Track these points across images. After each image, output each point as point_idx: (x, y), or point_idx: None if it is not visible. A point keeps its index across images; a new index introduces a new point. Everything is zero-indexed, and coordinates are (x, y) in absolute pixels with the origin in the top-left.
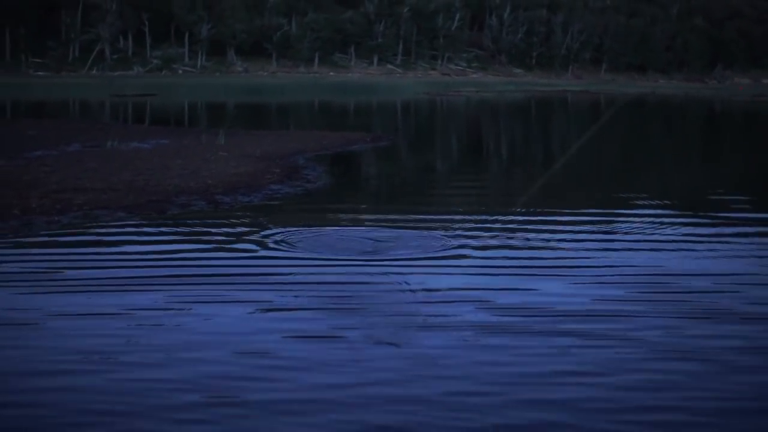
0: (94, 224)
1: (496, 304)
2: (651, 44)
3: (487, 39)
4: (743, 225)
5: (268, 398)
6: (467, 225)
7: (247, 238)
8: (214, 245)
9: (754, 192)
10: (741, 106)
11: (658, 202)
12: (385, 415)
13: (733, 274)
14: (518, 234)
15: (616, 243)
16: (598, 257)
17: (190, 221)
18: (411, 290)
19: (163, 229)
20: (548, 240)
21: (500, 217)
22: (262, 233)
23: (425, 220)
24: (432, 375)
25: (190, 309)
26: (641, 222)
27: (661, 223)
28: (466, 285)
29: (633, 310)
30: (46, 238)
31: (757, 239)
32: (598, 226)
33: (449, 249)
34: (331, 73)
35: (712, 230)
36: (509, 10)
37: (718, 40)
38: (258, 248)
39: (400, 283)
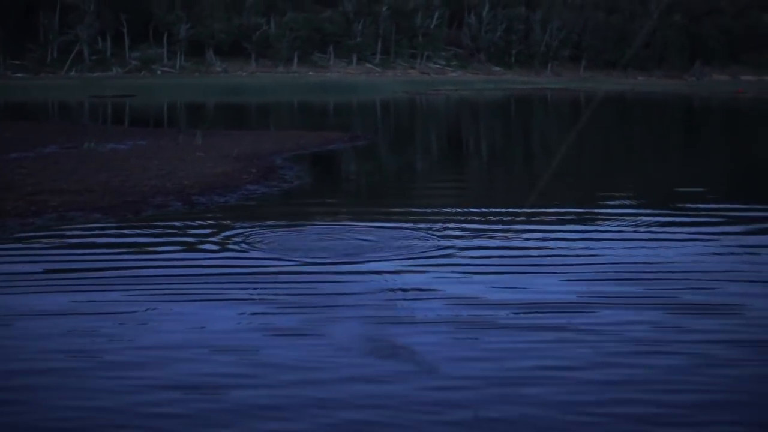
0: (69, 226)
1: (475, 300)
2: (630, 41)
3: (466, 37)
4: (727, 222)
5: (247, 395)
6: (444, 223)
7: (219, 237)
8: (186, 245)
9: (737, 187)
10: (720, 103)
11: (637, 198)
12: (364, 410)
13: (714, 271)
14: (495, 231)
15: (596, 239)
16: (579, 253)
17: (164, 222)
18: (391, 289)
19: (137, 230)
20: (528, 237)
21: (476, 215)
22: (235, 233)
23: (401, 219)
24: (410, 371)
25: (165, 308)
26: (621, 218)
27: (640, 220)
28: (445, 282)
29: (612, 303)
30: (20, 241)
31: (742, 236)
32: (579, 222)
33: (427, 247)
34: (310, 73)
35: (693, 226)
36: (488, 8)
37: (697, 36)
38: (232, 248)
39: (378, 281)
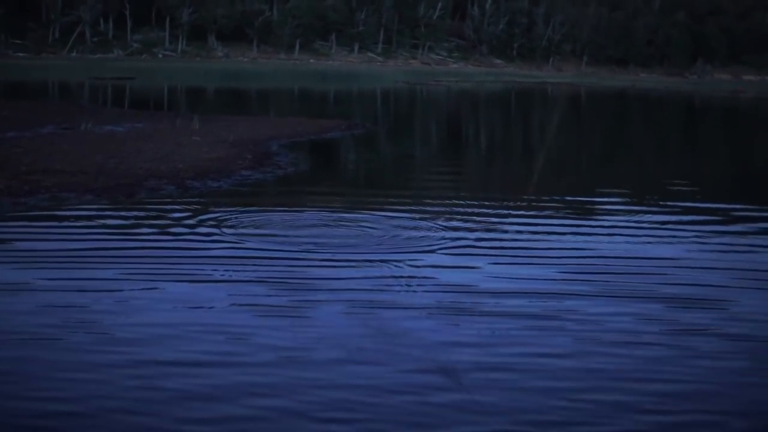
0: (61, 206)
1: (465, 288)
2: (632, 38)
3: (469, 29)
4: (717, 220)
5: (235, 372)
6: (438, 212)
7: (209, 221)
8: (177, 227)
9: (729, 185)
10: (720, 102)
11: (630, 193)
12: (352, 390)
13: (701, 267)
14: (489, 221)
15: (587, 233)
16: (569, 245)
17: (156, 205)
18: (382, 275)
19: (129, 212)
20: (520, 228)
21: (471, 205)
22: (225, 217)
23: (394, 207)
24: (391, 351)
25: (155, 288)
26: (613, 212)
27: (632, 214)
28: (435, 269)
29: (590, 293)
30: (12, 220)
31: (730, 233)
32: (571, 215)
33: (418, 236)
34: (312, 61)
35: (682, 223)
36: (491, 0)
37: (699, 34)
38: (222, 232)
39: (369, 267)
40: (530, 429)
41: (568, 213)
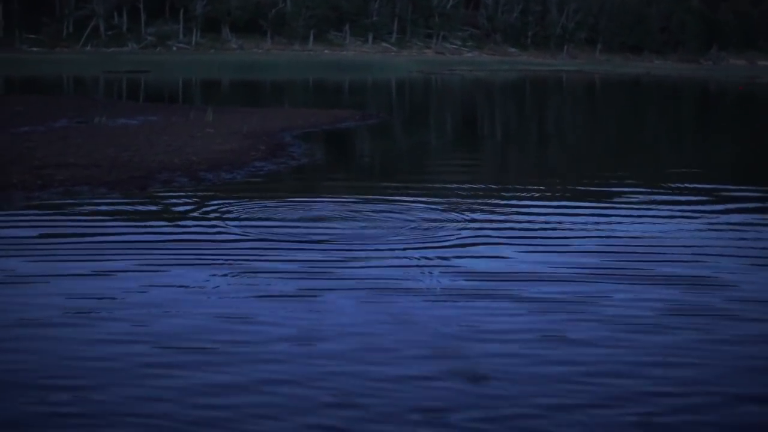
0: (74, 199)
1: (465, 270)
2: (646, 25)
3: (483, 18)
4: (722, 201)
5: (241, 350)
6: (451, 199)
7: (219, 212)
8: (188, 218)
9: (738, 169)
10: (735, 88)
11: (638, 177)
12: (356, 365)
13: (703, 246)
14: (502, 207)
15: (602, 214)
16: (584, 230)
17: (169, 196)
18: (407, 264)
19: (141, 204)
20: (529, 212)
21: (483, 192)
22: (237, 208)
23: (409, 197)
24: (405, 338)
25: (164, 274)
26: (622, 195)
27: (649, 198)
28: (451, 254)
29: (612, 277)
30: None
31: (735, 215)
32: (581, 199)
33: (430, 219)
34: (326, 51)
35: (687, 204)
36: None
37: (713, 21)
38: (234, 222)
39: (383, 254)
40: (544, 413)
41: (585, 199)
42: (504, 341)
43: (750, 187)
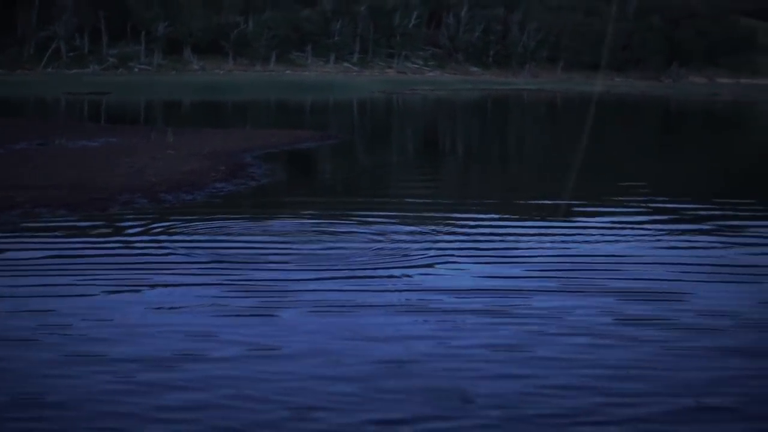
0: (35, 221)
1: (428, 286)
2: (607, 43)
3: (444, 37)
4: (678, 219)
5: (202, 367)
6: (410, 217)
7: (178, 232)
8: (147, 238)
9: (693, 186)
10: (696, 106)
11: (594, 194)
12: (316, 381)
13: (658, 263)
14: (463, 225)
15: (551, 233)
16: (535, 244)
17: (128, 217)
18: (361, 276)
19: (99, 224)
20: (488, 230)
21: (442, 209)
22: (194, 227)
23: (367, 215)
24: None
25: (125, 292)
26: (579, 213)
27: (597, 215)
28: (403, 271)
29: (554, 289)
30: None
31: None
32: (539, 217)
33: (392, 240)
34: (288, 72)
35: (644, 222)
36: (466, 8)
37: (674, 39)
38: (191, 241)
39: (338, 269)
40: (503, 423)
41: (545, 216)
42: (465, 355)
43: (705, 204)
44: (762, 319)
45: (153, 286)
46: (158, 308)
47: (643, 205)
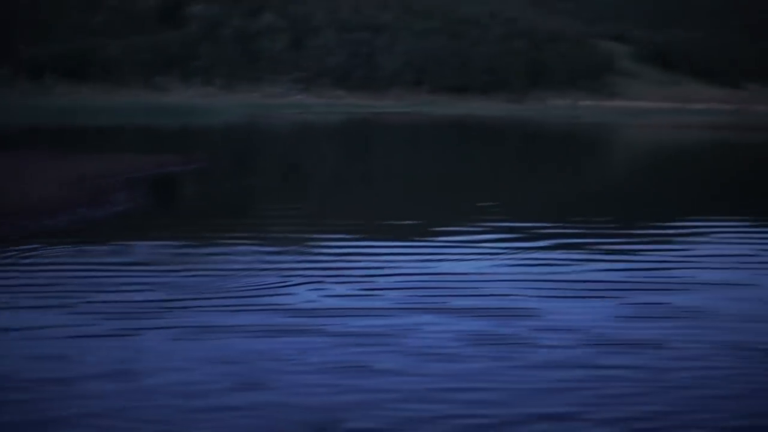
0: None
1: (281, 307)
2: (471, 66)
3: (310, 61)
4: (528, 238)
5: (62, 389)
6: (270, 239)
7: (35, 256)
8: (13, 261)
9: (542, 207)
10: (557, 127)
11: (443, 216)
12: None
13: (502, 280)
14: (312, 245)
15: (410, 252)
16: (392, 265)
17: None
18: (216, 296)
19: None
20: (345, 249)
21: (301, 232)
22: (50, 252)
23: (227, 238)
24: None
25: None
26: (441, 235)
27: (455, 233)
28: (259, 291)
29: (403, 308)
30: None
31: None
32: (398, 237)
33: (249, 264)
34: (153, 96)
35: (488, 242)
36: (332, 31)
37: (538, 61)
38: (44, 265)
39: (197, 291)
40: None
41: (399, 237)
42: (315, 372)
43: (557, 223)
44: (602, 334)
45: (15, 309)
46: (5, 330)
47: (498, 224)
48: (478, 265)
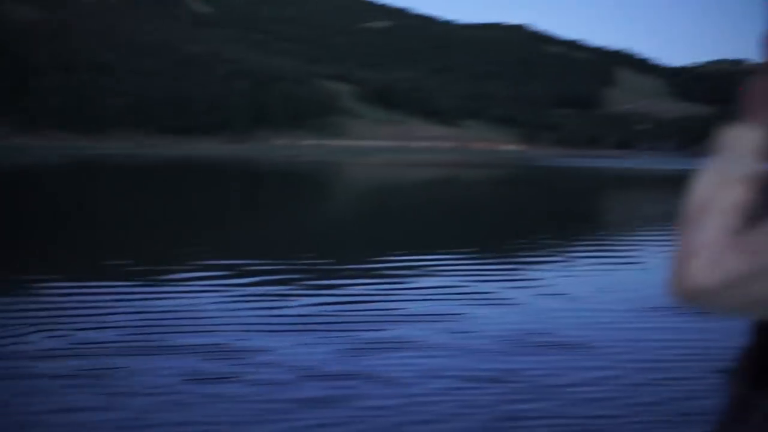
0: None
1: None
2: (193, 107)
3: (31, 102)
4: (248, 274)
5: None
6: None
7: None
8: None
9: (260, 245)
10: (277, 167)
11: (170, 258)
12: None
13: (216, 317)
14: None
15: (142, 291)
16: (130, 306)
17: None
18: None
19: None
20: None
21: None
22: None
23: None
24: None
25: None
26: (157, 273)
27: (175, 274)
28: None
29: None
30: None
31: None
32: (114, 278)
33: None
34: None
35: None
36: (54, 72)
37: (261, 101)
38: None
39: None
40: None
41: (122, 278)
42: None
43: (271, 261)
44: (332, 370)
45: None
46: None
47: (210, 264)
48: (191, 302)
